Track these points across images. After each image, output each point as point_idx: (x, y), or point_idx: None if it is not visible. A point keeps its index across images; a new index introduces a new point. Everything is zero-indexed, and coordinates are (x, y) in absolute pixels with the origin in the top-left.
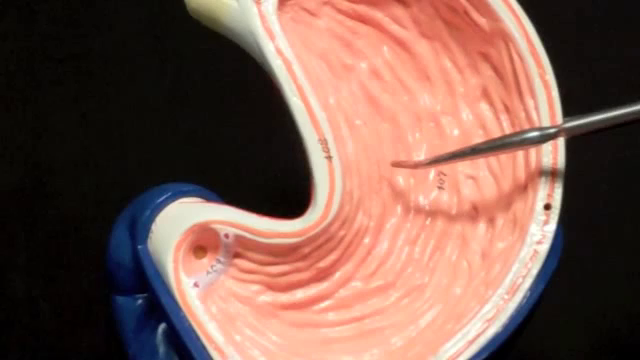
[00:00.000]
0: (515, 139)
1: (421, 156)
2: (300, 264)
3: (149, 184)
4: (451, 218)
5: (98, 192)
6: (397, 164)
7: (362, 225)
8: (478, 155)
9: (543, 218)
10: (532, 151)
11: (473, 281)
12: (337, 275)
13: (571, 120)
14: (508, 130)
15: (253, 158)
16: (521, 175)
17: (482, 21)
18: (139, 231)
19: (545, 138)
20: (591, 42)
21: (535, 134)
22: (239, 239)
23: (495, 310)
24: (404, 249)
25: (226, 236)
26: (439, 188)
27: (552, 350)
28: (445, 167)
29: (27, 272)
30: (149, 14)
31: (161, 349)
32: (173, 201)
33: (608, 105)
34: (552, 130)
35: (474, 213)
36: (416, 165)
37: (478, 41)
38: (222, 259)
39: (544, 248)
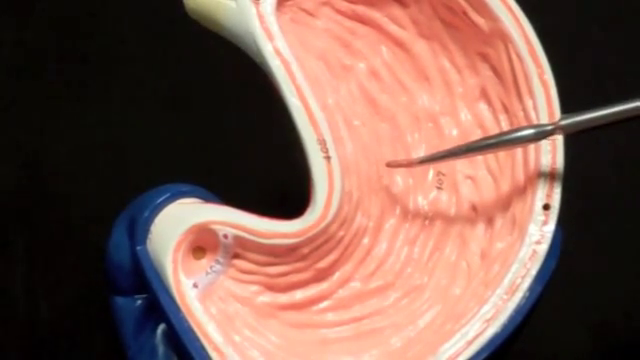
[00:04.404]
0: (510, 137)
1: (419, 156)
2: (299, 264)
3: (149, 184)
4: (450, 218)
5: (98, 193)
6: (390, 164)
7: (361, 225)
8: (472, 153)
9: (542, 218)
10: (531, 151)
11: (472, 281)
12: (336, 275)
13: (567, 117)
14: None
15: (253, 158)
16: (520, 175)
17: (481, 21)
18: (138, 232)
19: (540, 135)
20: (590, 42)
21: (530, 131)
22: (238, 240)
23: (494, 310)
24: (403, 249)
25: (225, 237)
26: (438, 188)
27: (551, 350)
28: (444, 167)
29: (27, 272)
30: (149, 14)
31: (160, 350)
32: (172, 202)
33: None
34: (548, 127)
35: (473, 213)
36: (409, 163)
37: (477, 41)
38: (221, 260)
39: (543, 248)
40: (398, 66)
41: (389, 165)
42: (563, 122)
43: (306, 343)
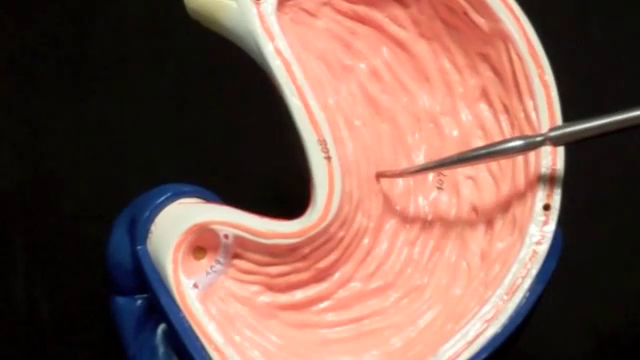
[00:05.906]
0: (499, 148)
1: (420, 157)
2: (299, 265)
3: (149, 184)
4: (450, 219)
5: (98, 192)
6: (380, 174)
7: (361, 226)
8: (463, 163)
9: (542, 219)
10: (532, 152)
11: (472, 282)
12: (336, 276)
13: (556, 129)
14: (507, 131)
15: (253, 158)
16: (520, 176)
17: (481, 22)
18: (138, 232)
19: (529, 147)
20: (591, 42)
21: (519, 143)
22: (238, 240)
23: (494, 311)
24: (403, 250)
25: (225, 237)
26: (438, 189)
27: (552, 350)
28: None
29: (27, 272)
30: (149, 14)
31: (161, 350)
32: (172, 202)
33: (606, 107)
34: (537, 139)
35: (473, 214)
36: (401, 174)
37: (477, 42)
38: (221, 260)
39: (543, 249)
40: (399, 66)
41: (380, 176)
42: (552, 134)
43: (306, 343)
